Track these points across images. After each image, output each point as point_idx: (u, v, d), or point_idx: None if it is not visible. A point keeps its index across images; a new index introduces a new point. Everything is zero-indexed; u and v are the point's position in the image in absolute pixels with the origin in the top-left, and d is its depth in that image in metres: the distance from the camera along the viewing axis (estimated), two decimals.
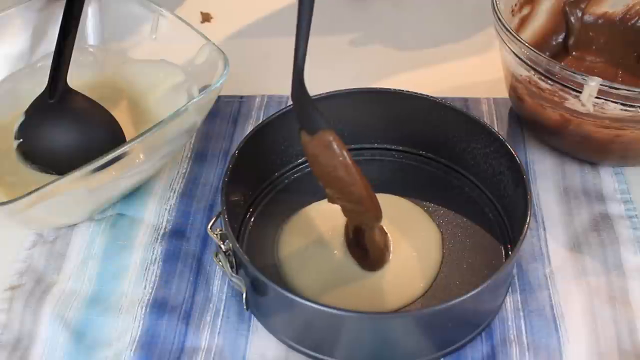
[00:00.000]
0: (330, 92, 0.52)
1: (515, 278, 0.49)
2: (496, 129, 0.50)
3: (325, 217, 0.50)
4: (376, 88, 0.55)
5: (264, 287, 0.43)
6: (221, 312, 0.48)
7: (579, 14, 0.61)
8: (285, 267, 0.49)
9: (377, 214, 0.44)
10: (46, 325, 0.47)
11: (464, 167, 0.54)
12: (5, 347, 0.46)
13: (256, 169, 0.52)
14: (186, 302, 0.48)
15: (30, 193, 0.43)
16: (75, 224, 0.53)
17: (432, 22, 0.72)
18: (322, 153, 0.42)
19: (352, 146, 0.55)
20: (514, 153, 0.48)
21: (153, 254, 0.51)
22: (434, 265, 0.49)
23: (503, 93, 0.60)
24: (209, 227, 0.47)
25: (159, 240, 0.51)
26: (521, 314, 0.47)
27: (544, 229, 0.52)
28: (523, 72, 0.52)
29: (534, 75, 0.51)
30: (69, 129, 0.52)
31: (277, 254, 0.50)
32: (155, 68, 0.57)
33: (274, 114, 0.51)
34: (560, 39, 0.62)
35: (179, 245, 0.51)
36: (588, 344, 0.45)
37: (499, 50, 0.55)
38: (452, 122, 0.52)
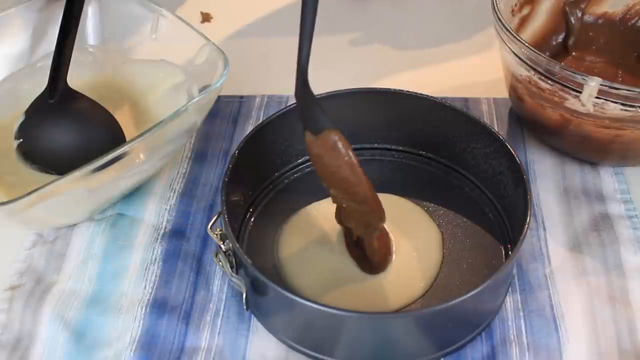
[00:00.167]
0: (330, 92, 0.52)
1: (515, 278, 0.49)
2: (496, 129, 0.50)
3: (325, 217, 0.50)
4: (376, 88, 0.55)
5: (264, 287, 0.43)
6: (221, 312, 0.48)
7: (579, 14, 0.61)
8: (285, 267, 0.49)
9: (382, 214, 0.44)
10: (46, 325, 0.47)
11: (464, 167, 0.54)
12: (5, 347, 0.46)
13: (256, 169, 0.52)
14: (186, 302, 0.48)
15: (30, 193, 0.43)
16: (75, 224, 0.53)
17: (432, 22, 0.72)
18: (327, 153, 0.41)
19: (352, 146, 0.54)
20: (514, 153, 0.48)
21: (153, 254, 0.51)
22: (435, 265, 0.49)
23: (503, 93, 0.60)
24: (209, 227, 0.47)
25: (159, 240, 0.51)
26: (521, 314, 0.47)
27: (544, 229, 0.52)
28: (523, 72, 0.52)
29: (534, 75, 0.51)
30: (69, 129, 0.52)
31: (277, 254, 0.50)
32: (155, 68, 0.57)
33: (274, 114, 0.51)
34: (560, 39, 0.62)
35: (179, 245, 0.51)
36: (588, 344, 0.45)
37: (499, 50, 0.55)
38: (452, 122, 0.52)
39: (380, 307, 0.47)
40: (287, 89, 0.63)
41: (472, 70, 0.65)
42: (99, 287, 0.49)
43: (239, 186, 0.50)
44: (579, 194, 0.54)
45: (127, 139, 0.52)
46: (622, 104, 0.48)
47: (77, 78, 0.54)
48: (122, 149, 0.46)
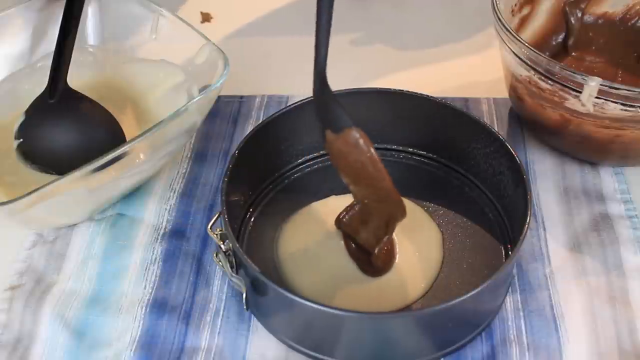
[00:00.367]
0: None
1: (515, 278, 0.49)
2: (496, 129, 0.50)
3: (326, 217, 0.50)
4: (376, 88, 0.55)
5: (264, 287, 0.43)
6: (221, 312, 0.48)
7: (579, 14, 0.61)
8: (285, 267, 0.49)
9: (404, 207, 0.44)
10: (46, 325, 0.47)
11: (464, 167, 0.54)
12: (5, 347, 0.46)
13: (256, 169, 0.52)
14: (186, 302, 0.48)
15: (30, 193, 0.43)
16: (75, 224, 0.53)
17: (433, 22, 0.72)
18: (350, 151, 0.41)
19: None
20: (514, 153, 0.48)
21: (153, 254, 0.51)
22: (435, 265, 0.49)
23: (503, 93, 0.60)
24: (209, 227, 0.47)
25: (159, 240, 0.51)
26: (521, 314, 0.47)
27: (544, 229, 0.52)
28: (523, 72, 0.52)
29: (534, 75, 0.51)
30: (69, 129, 0.52)
31: (277, 254, 0.50)
32: (155, 68, 0.57)
33: (274, 114, 0.51)
34: (560, 39, 0.62)
35: (179, 245, 0.51)
36: (588, 344, 0.45)
37: (499, 50, 0.55)
38: (452, 122, 0.52)
39: (380, 307, 0.47)
40: (287, 88, 0.64)
41: (472, 70, 0.65)
42: (99, 287, 0.49)
43: (239, 186, 0.50)
44: (579, 194, 0.54)
45: (127, 139, 0.52)
46: (622, 104, 0.48)
47: (77, 78, 0.54)
48: (122, 149, 0.46)
